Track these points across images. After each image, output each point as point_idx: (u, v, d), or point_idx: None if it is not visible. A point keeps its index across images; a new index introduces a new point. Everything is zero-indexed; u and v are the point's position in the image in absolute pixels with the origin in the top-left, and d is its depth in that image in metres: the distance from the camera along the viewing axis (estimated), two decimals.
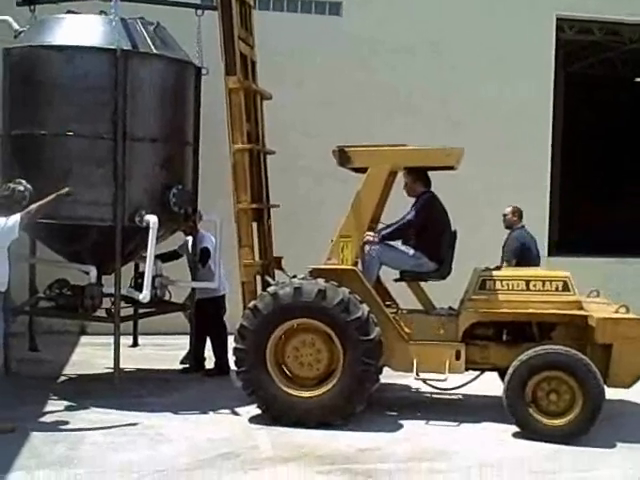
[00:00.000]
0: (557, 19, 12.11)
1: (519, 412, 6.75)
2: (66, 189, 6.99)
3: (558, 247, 13.83)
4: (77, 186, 7.27)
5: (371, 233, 7.46)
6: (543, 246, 11.91)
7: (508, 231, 9.18)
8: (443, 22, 11.58)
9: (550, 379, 6.74)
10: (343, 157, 7.38)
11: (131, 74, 7.50)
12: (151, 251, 7.49)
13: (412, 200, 7.68)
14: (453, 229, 7.76)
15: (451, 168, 7.48)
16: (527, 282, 7.19)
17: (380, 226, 7.76)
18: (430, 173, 7.68)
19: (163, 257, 8.62)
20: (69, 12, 8.07)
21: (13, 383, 7.61)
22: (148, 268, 7.54)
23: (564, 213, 17.00)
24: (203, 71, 8.34)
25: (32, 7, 8.46)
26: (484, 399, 7.80)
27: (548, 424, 6.70)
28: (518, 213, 9.01)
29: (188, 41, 8.28)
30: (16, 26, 8.07)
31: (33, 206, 6.76)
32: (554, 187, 13.30)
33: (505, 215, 9.15)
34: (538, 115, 11.95)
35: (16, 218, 6.54)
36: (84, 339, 10.38)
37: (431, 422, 7.18)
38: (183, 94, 8.11)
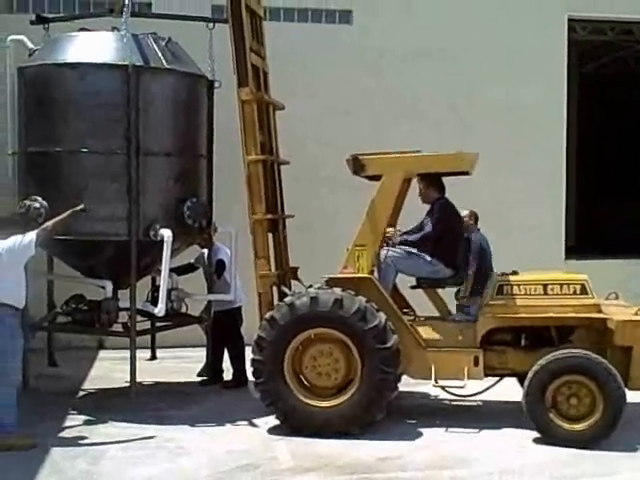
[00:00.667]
0: (569, 20, 12.05)
1: (539, 417, 6.71)
2: (81, 206, 7.04)
3: (575, 249, 13.74)
4: (92, 202, 7.34)
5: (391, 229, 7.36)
6: (560, 249, 11.90)
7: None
8: (453, 27, 11.56)
9: (570, 383, 6.69)
10: (357, 165, 7.37)
11: (143, 89, 7.55)
12: (166, 265, 7.52)
13: (426, 207, 7.68)
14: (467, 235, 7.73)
15: (465, 173, 7.47)
16: (544, 286, 7.15)
17: (391, 231, 7.67)
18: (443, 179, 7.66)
19: (179, 270, 8.65)
20: (82, 30, 8.15)
21: (32, 399, 7.64)
22: (163, 282, 7.57)
23: (580, 214, 16.90)
24: (216, 84, 8.38)
25: (46, 26, 8.59)
26: (504, 405, 7.75)
27: (569, 429, 6.65)
28: (474, 217, 8.76)
29: (200, 54, 8.32)
30: (30, 45, 8.16)
31: (48, 223, 6.81)
32: (569, 188, 13.23)
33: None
34: (551, 117, 11.89)
35: (32, 236, 6.59)
36: (102, 353, 10.43)
37: (451, 429, 7.14)
38: (196, 107, 8.15)
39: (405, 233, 7.63)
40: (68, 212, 6.91)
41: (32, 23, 8.70)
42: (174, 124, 7.91)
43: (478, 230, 8.65)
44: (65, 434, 6.98)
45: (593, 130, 18.78)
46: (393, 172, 7.25)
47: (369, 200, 7.26)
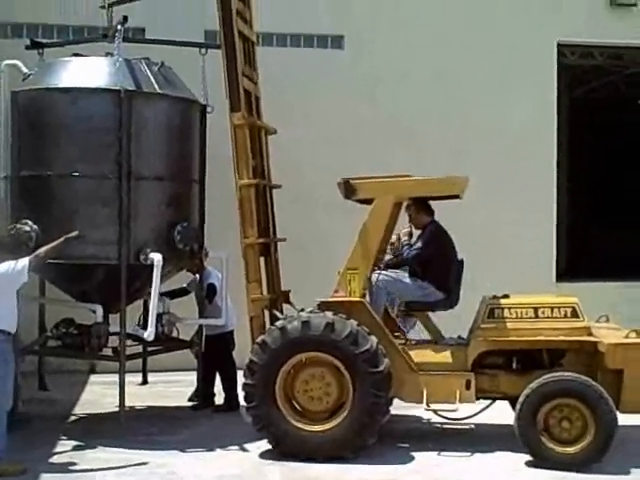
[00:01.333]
0: (558, 45, 12.18)
1: (531, 440, 6.71)
2: (75, 232, 7.00)
3: (566, 272, 13.78)
4: (83, 225, 7.34)
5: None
6: (551, 271, 11.93)
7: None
8: (445, 51, 11.66)
9: (562, 406, 6.70)
10: (348, 189, 7.41)
11: (135, 114, 7.58)
12: (156, 289, 7.51)
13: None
14: (460, 258, 7.76)
15: (456, 197, 7.51)
16: (535, 309, 7.17)
17: (387, 257, 7.77)
18: (435, 202, 7.70)
19: (171, 294, 8.64)
20: (75, 55, 8.20)
21: (22, 423, 7.59)
22: (152, 306, 7.56)
23: (571, 237, 16.95)
24: (208, 108, 8.43)
25: (40, 51, 8.64)
26: (496, 428, 7.74)
27: (561, 452, 6.65)
28: (410, 236, 8.74)
29: (193, 79, 8.38)
30: (24, 69, 8.20)
31: (41, 250, 6.79)
32: (560, 211, 13.28)
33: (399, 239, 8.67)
34: (542, 140, 11.97)
35: (25, 262, 6.56)
36: (94, 378, 10.35)
37: (443, 453, 7.13)
38: (188, 132, 8.19)
39: (395, 257, 7.65)
40: (62, 238, 6.88)
41: (27, 48, 8.76)
42: (166, 149, 7.94)
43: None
44: (56, 460, 6.93)
45: (584, 153, 18.89)
46: (384, 196, 7.29)
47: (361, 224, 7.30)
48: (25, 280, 6.63)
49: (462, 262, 7.76)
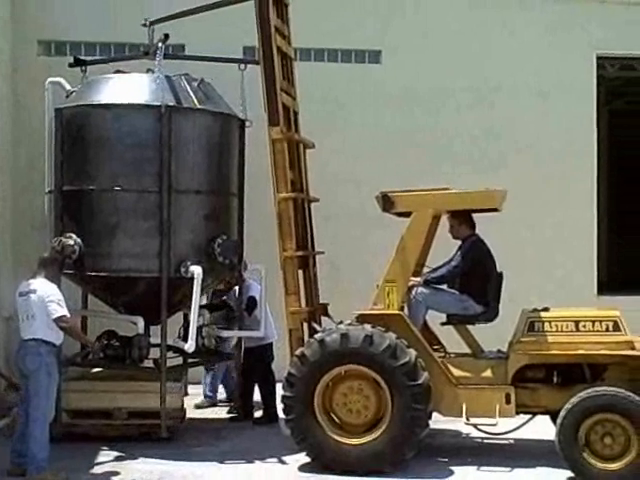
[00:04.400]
0: (597, 57, 12.10)
1: (572, 456, 6.62)
2: (97, 344, 7.59)
3: (607, 285, 13.60)
4: (125, 239, 7.51)
5: (415, 279, 7.45)
6: (592, 284, 11.80)
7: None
8: (482, 65, 11.64)
9: (603, 422, 6.61)
10: (387, 202, 7.42)
11: (175, 129, 7.70)
12: (196, 301, 7.60)
13: (457, 243, 7.70)
14: (499, 271, 7.72)
15: (494, 210, 7.48)
16: (576, 323, 7.09)
17: (426, 270, 7.76)
18: (476, 215, 7.69)
19: (212, 307, 8.71)
20: (117, 71, 8.36)
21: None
22: (193, 318, 7.64)
23: (612, 250, 16.74)
24: (247, 123, 8.52)
25: (83, 68, 8.86)
26: (536, 443, 7.65)
27: (602, 468, 6.55)
28: None
29: (232, 94, 8.48)
30: (68, 86, 8.40)
31: (73, 323, 6.78)
32: (601, 224, 13.14)
33: None
34: (581, 153, 11.86)
35: (58, 314, 6.54)
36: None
37: (482, 468, 7.07)
38: (227, 146, 8.29)
39: (434, 269, 7.63)
40: (85, 337, 7.41)
41: (70, 65, 8.99)
42: (206, 163, 8.05)
43: None
44: (97, 470, 7.02)
45: (623, 166, 18.67)
46: (422, 209, 7.29)
47: (398, 237, 7.30)
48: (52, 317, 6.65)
49: (501, 275, 7.72)
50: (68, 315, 6.60)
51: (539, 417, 7.40)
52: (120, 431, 7.77)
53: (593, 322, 7.06)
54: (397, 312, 7.21)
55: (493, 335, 7.64)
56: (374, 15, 11.48)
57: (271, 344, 8.83)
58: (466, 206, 7.48)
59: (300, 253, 7.78)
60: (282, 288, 7.52)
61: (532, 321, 7.16)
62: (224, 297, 8.99)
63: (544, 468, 7.00)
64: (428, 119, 11.45)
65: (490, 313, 7.54)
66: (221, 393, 9.56)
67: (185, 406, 8.35)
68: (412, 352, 6.89)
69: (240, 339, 8.72)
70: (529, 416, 7.40)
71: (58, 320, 6.52)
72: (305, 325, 7.65)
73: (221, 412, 9.05)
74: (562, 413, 6.68)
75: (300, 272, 7.87)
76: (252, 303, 8.61)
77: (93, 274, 7.62)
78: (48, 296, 6.55)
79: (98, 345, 7.61)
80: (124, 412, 7.80)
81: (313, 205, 8.37)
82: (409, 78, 11.46)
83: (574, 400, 6.67)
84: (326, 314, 8.13)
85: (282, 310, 7.56)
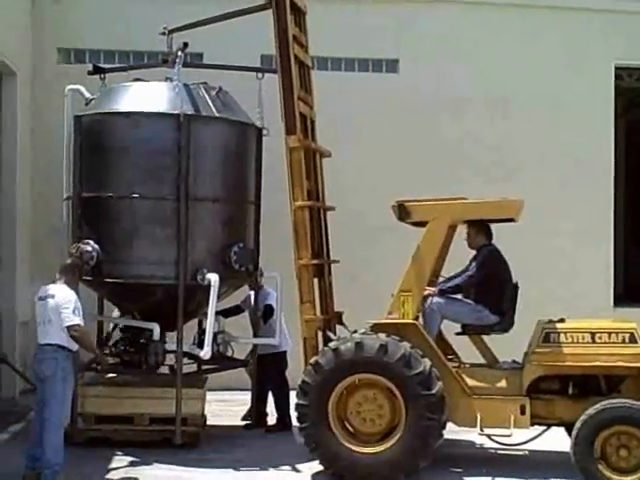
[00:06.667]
0: (615, 68, 12.06)
1: (588, 469, 6.59)
2: (108, 361, 7.70)
3: (624, 297, 13.50)
4: (142, 245, 7.57)
5: (430, 288, 7.45)
6: (608, 296, 11.74)
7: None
8: (499, 75, 11.63)
9: (619, 434, 6.59)
10: (403, 212, 7.43)
11: (194, 137, 7.75)
12: (212, 308, 7.63)
13: (472, 253, 7.69)
14: (515, 281, 7.70)
15: (511, 220, 7.47)
16: (592, 334, 7.06)
17: (440, 279, 7.76)
18: (493, 225, 7.68)
19: (226, 313, 8.74)
20: (136, 80, 8.43)
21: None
22: (209, 325, 7.67)
23: (629, 261, 16.62)
24: (264, 131, 8.56)
25: (102, 76, 8.94)
26: (551, 455, 7.62)
27: None
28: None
29: (250, 103, 8.53)
30: (87, 94, 8.47)
31: (85, 334, 6.69)
32: (617, 235, 13.06)
33: None
34: (599, 164, 11.83)
35: (70, 322, 6.52)
36: None
37: (497, 479, 7.04)
38: (244, 154, 8.33)
39: (449, 279, 7.63)
40: (97, 351, 7.21)
41: (89, 73, 9.06)
42: (223, 171, 8.10)
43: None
44: (111, 475, 7.05)
45: None
46: (439, 218, 7.29)
47: (414, 246, 7.30)
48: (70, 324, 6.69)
49: (517, 286, 7.70)
50: (82, 324, 6.62)
51: (554, 429, 7.36)
52: (141, 437, 7.82)
53: (609, 334, 7.03)
54: (412, 321, 7.21)
55: (508, 345, 7.62)
56: (391, 24, 11.50)
57: (285, 352, 8.83)
58: (482, 216, 7.48)
59: (315, 261, 7.80)
60: (297, 296, 7.53)
61: (548, 332, 7.14)
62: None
63: None
64: (445, 128, 11.45)
65: (505, 323, 7.52)
66: None
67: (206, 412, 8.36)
68: (426, 362, 6.89)
69: (255, 346, 8.74)
70: (544, 427, 7.37)
71: (69, 329, 6.54)
72: (320, 333, 7.66)
73: (236, 419, 9.06)
74: (578, 425, 6.66)
75: (315, 280, 7.89)
76: (269, 311, 8.62)
77: (110, 280, 7.67)
78: (64, 303, 6.59)
79: (105, 358, 7.60)
80: (146, 418, 7.86)
81: (329, 214, 8.39)
82: (426, 87, 11.46)
83: (590, 412, 6.65)
84: (341, 323, 8.14)
85: (297, 318, 7.57)
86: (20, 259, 10.19)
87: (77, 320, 6.57)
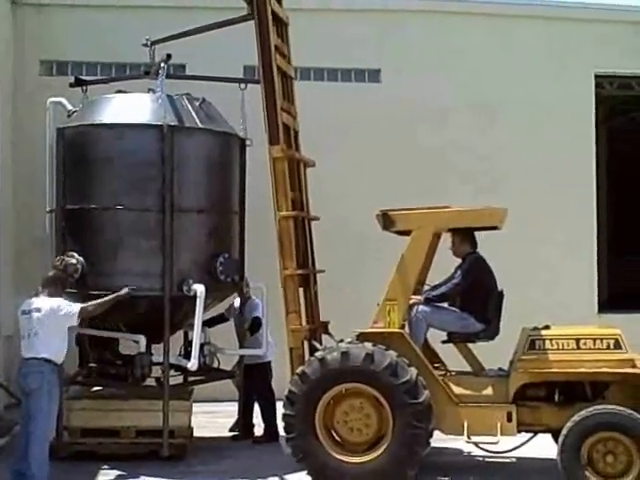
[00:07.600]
0: (596, 76, 12.18)
1: (575, 475, 6.61)
2: (125, 290, 7.24)
3: (608, 303, 13.59)
4: (127, 257, 7.53)
5: (416, 297, 7.47)
6: (593, 302, 11.81)
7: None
8: (481, 84, 11.72)
9: (605, 440, 6.61)
10: (387, 221, 7.46)
11: (177, 148, 7.74)
12: (199, 320, 7.60)
13: (456, 261, 7.72)
14: (500, 289, 7.73)
15: (495, 228, 7.51)
16: (577, 341, 7.09)
17: (426, 288, 7.78)
18: (477, 234, 7.71)
19: (210, 322, 8.70)
20: (118, 91, 8.42)
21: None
22: (196, 337, 7.64)
23: (613, 268, 16.75)
24: (247, 142, 8.57)
25: (84, 88, 8.92)
26: (538, 462, 7.63)
27: None
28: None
29: (233, 113, 8.53)
30: (69, 106, 8.45)
31: (92, 303, 6.90)
32: (601, 242, 13.17)
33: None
34: (581, 172, 11.93)
35: (76, 310, 6.65)
36: None
37: None
38: (228, 165, 8.33)
39: (434, 287, 7.65)
40: (113, 295, 7.10)
41: (71, 85, 9.05)
42: (207, 182, 8.09)
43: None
44: None
45: (622, 184, 18.70)
46: (423, 227, 7.32)
47: (398, 255, 7.32)
48: (74, 324, 6.75)
49: (502, 293, 7.73)
50: (82, 305, 6.70)
51: (540, 435, 7.38)
52: (128, 450, 7.77)
53: (594, 340, 7.06)
54: (398, 330, 7.22)
55: (494, 353, 7.64)
56: (373, 34, 11.58)
57: (269, 362, 8.81)
58: (466, 224, 7.51)
59: (301, 271, 7.80)
60: (282, 306, 7.52)
61: (533, 339, 7.16)
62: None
63: None
64: (428, 137, 11.50)
65: (491, 331, 7.54)
66: None
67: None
68: (413, 370, 6.90)
69: (242, 357, 8.71)
70: (531, 434, 7.38)
71: (80, 314, 6.63)
72: (306, 343, 7.65)
73: (222, 430, 9.02)
74: (564, 431, 6.68)
75: (301, 290, 7.89)
76: (257, 324, 8.59)
77: (95, 293, 7.62)
78: (56, 306, 6.58)
79: (126, 290, 7.29)
80: (132, 430, 7.81)
81: (313, 223, 8.39)
82: (408, 97, 11.51)
83: (576, 418, 6.68)
84: (327, 332, 8.13)
85: (283, 328, 7.56)
86: (3, 272, 10.11)
87: (78, 306, 6.65)
